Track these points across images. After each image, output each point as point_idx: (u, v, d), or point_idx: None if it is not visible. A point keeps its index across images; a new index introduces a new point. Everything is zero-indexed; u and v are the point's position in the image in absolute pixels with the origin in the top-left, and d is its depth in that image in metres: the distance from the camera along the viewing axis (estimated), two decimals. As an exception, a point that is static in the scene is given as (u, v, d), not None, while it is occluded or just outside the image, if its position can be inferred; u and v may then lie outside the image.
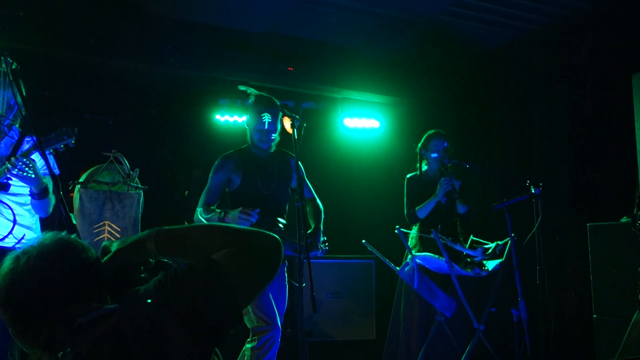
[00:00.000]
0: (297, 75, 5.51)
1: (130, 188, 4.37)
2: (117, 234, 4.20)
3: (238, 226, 1.32)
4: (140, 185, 4.42)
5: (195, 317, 1.10)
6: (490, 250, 3.90)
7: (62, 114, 5.51)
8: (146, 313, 1.08)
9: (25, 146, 2.77)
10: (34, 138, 2.79)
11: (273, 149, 3.45)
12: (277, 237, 1.29)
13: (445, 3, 4.59)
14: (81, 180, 4.25)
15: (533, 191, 3.84)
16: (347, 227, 5.54)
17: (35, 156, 2.72)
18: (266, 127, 3.28)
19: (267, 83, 5.62)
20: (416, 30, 5.07)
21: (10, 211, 2.65)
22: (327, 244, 3.50)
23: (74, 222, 4.09)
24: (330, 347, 5.19)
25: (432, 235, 3.79)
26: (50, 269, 1.20)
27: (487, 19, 4.88)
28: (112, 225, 4.20)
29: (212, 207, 3.25)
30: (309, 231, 3.38)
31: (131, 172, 4.41)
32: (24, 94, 2.46)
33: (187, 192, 6.37)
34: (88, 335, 1.10)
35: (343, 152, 6.35)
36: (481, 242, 4.01)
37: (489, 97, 5.53)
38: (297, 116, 3.19)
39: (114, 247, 1.32)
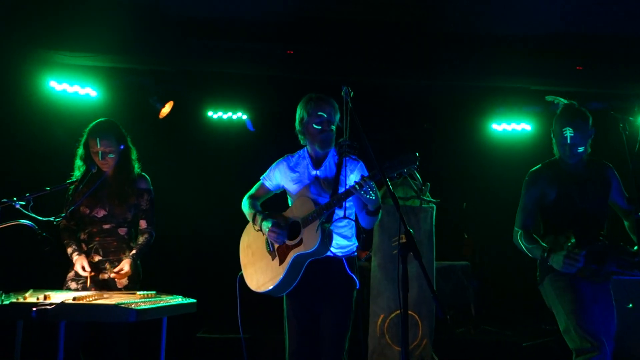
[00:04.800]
0: (586, 75, 5.09)
1: (422, 202, 4.50)
2: (414, 247, 4.35)
3: None
4: (432, 199, 4.52)
5: None
6: None
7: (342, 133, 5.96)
8: None
9: (352, 168, 3.01)
10: (359, 162, 3.05)
11: (586, 159, 3.20)
12: None
13: None
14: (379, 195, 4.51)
15: None
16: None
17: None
18: (568, 142, 3.06)
19: (551, 86, 5.31)
20: None
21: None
22: None
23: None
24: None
25: None
26: None
27: None
28: (409, 238, 4.36)
29: (534, 236, 3.08)
30: (635, 248, 3.05)
31: (423, 187, 4.54)
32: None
33: (464, 204, 6.36)
34: None
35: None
36: None
37: None
38: (631, 118, 2.88)
39: None
